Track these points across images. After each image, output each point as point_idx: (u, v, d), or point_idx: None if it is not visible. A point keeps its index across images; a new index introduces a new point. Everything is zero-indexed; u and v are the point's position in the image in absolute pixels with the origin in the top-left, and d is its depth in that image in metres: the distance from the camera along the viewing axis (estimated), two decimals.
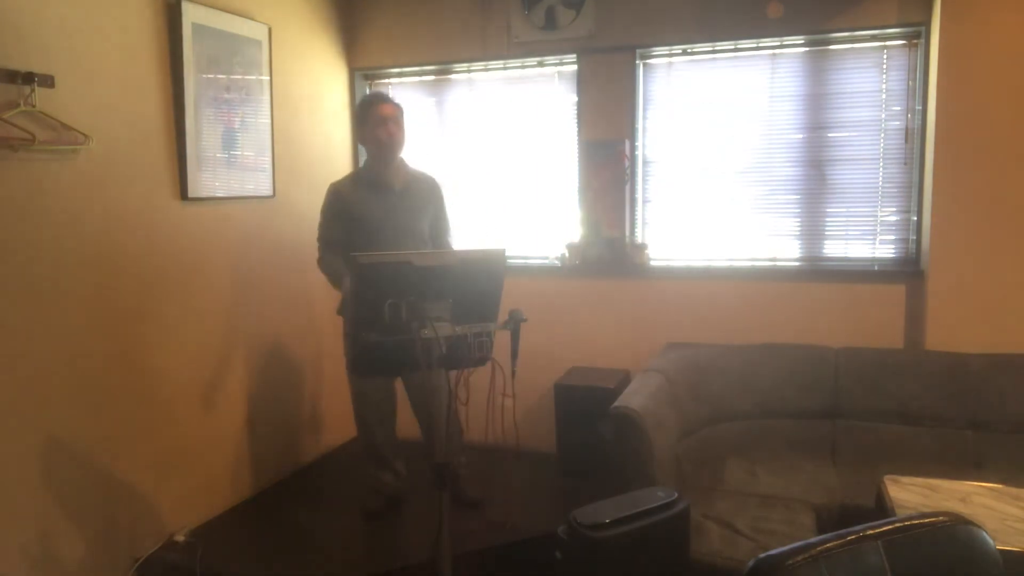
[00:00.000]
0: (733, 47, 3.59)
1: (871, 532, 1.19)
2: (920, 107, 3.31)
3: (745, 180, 3.65)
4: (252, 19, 3.38)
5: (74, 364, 2.62)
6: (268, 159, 3.52)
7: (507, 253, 2.29)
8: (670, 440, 2.87)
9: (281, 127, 3.60)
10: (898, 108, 3.39)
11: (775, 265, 3.63)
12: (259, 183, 3.48)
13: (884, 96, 3.41)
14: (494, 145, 4.07)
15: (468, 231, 4.09)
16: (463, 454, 3.33)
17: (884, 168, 3.43)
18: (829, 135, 3.49)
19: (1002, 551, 1.25)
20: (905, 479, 2.36)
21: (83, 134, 2.59)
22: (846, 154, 3.48)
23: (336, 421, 4.04)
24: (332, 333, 3.73)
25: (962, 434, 3.01)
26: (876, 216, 3.47)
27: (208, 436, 3.24)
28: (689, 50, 3.66)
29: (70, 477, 2.62)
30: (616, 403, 2.74)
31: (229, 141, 3.27)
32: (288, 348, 3.73)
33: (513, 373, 2.13)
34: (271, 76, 3.51)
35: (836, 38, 3.42)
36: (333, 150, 4.07)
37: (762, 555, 1.16)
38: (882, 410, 3.12)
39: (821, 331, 3.43)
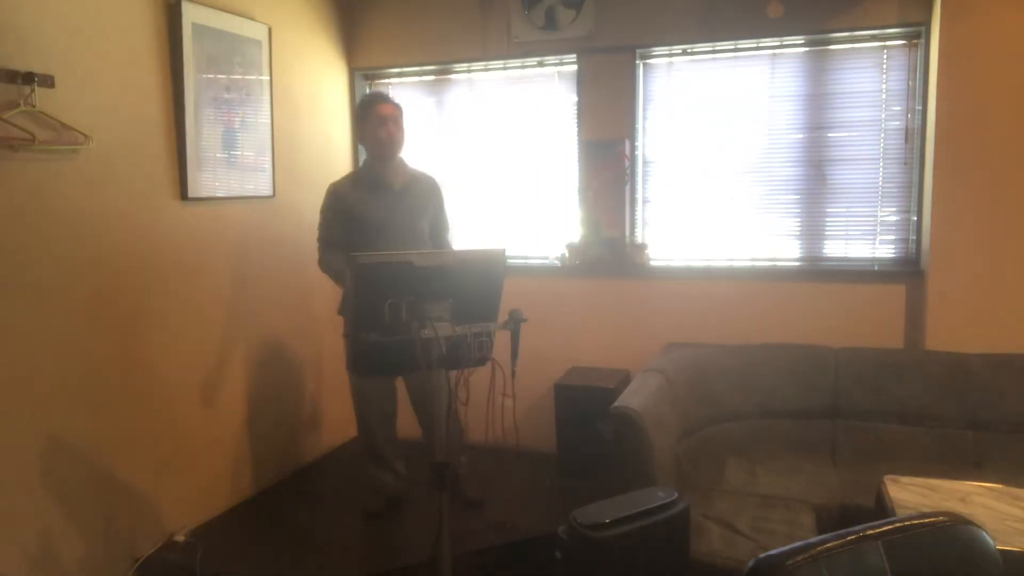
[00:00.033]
0: (733, 47, 3.59)
1: (871, 532, 1.19)
2: (920, 107, 3.31)
3: (745, 180, 3.65)
4: (252, 19, 3.38)
5: (74, 364, 2.62)
6: (268, 159, 3.52)
7: (507, 253, 2.29)
8: (670, 440, 2.87)
9: (281, 127, 3.60)
10: (898, 108, 3.39)
11: (775, 265, 3.63)
12: (259, 183, 3.48)
13: (884, 96, 3.41)
14: (494, 145, 4.07)
15: (468, 231, 4.09)
16: (464, 454, 3.34)
17: (884, 168, 3.43)
18: (829, 135, 3.49)
19: (1002, 551, 1.25)
20: (905, 479, 2.36)
21: (83, 134, 2.59)
22: (846, 154, 3.48)
23: (336, 421, 4.04)
24: (332, 333, 3.73)
25: (962, 434, 3.01)
26: (876, 216, 3.47)
27: (208, 436, 3.24)
28: (689, 50, 3.66)
29: (70, 477, 2.62)
30: (616, 403, 2.74)
31: (229, 141, 3.27)
32: (288, 348, 3.74)
33: (513, 373, 2.13)
34: (271, 76, 3.51)
35: (836, 38, 3.42)
36: (333, 150, 4.07)
37: (762, 555, 1.16)
38: (882, 410, 3.12)
39: (821, 331, 3.42)
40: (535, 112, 3.98)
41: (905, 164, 3.39)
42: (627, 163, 3.72)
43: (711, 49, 3.63)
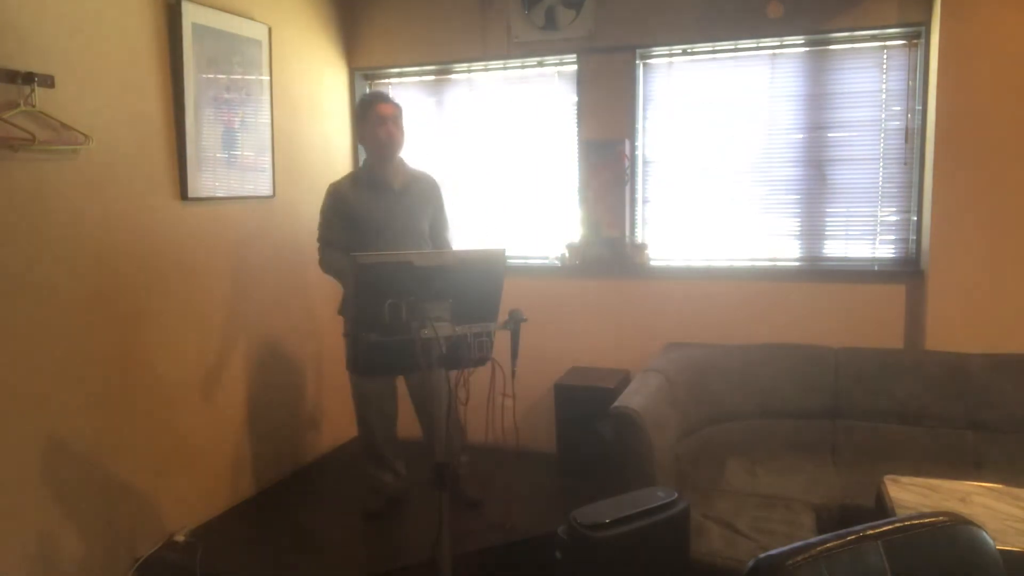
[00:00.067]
0: (733, 47, 3.59)
1: (871, 532, 1.19)
2: (920, 107, 3.31)
3: (745, 180, 3.65)
4: (252, 19, 3.38)
5: (74, 364, 2.62)
6: (268, 159, 3.52)
7: (507, 253, 2.29)
8: (670, 440, 2.87)
9: (281, 127, 3.60)
10: (898, 108, 3.39)
11: (775, 265, 3.63)
12: (259, 183, 3.48)
13: (884, 96, 3.41)
14: (494, 145, 4.06)
15: (468, 231, 4.09)
16: (465, 453, 3.34)
17: (884, 168, 3.43)
18: (829, 135, 3.49)
19: (1002, 551, 1.25)
20: (905, 479, 2.36)
21: (83, 134, 2.59)
22: (846, 154, 3.47)
23: (336, 421, 4.04)
24: (332, 333, 3.73)
25: (962, 434, 3.01)
26: (876, 216, 3.47)
27: (208, 436, 3.24)
28: (689, 50, 3.66)
29: (70, 477, 2.62)
30: (616, 403, 2.74)
31: (229, 141, 3.27)
32: (288, 348, 3.74)
33: (513, 373, 2.14)
34: (271, 76, 3.51)
35: (836, 38, 3.42)
36: (333, 150, 4.07)
37: (762, 555, 1.16)
38: (882, 410, 3.12)
39: (821, 331, 3.43)
40: (535, 112, 3.97)
41: (905, 164, 3.39)
42: (627, 163, 3.72)
43: (711, 49, 3.63)
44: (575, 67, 3.83)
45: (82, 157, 2.62)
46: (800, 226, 3.60)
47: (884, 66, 3.40)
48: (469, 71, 4.07)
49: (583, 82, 3.80)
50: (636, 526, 2.16)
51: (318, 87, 3.95)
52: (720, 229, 3.72)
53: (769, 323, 3.54)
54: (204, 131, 3.12)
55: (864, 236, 3.51)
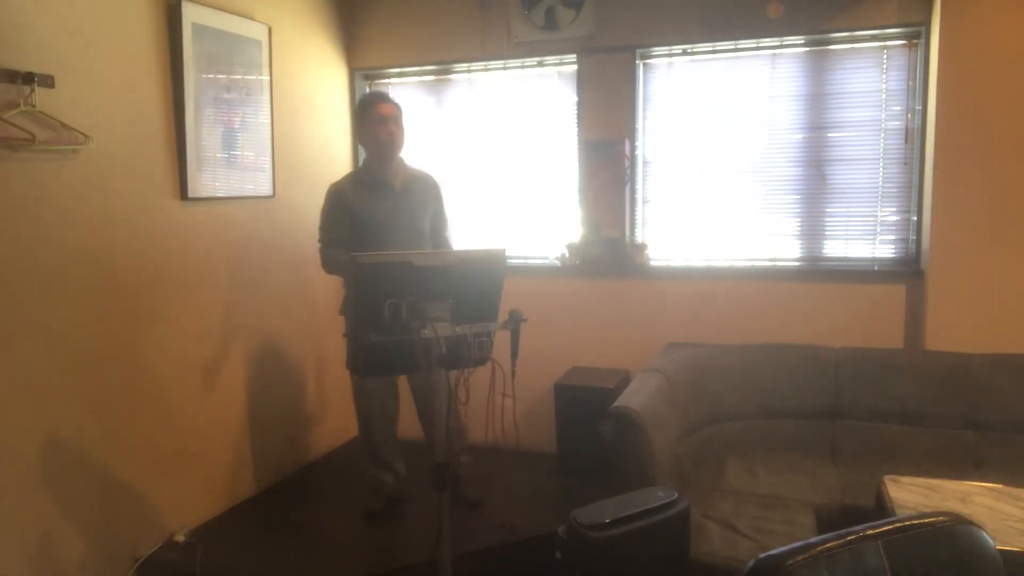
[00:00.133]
0: (733, 47, 3.59)
1: (871, 532, 1.19)
2: (920, 107, 3.31)
3: (745, 180, 3.65)
4: (252, 19, 3.38)
5: (74, 364, 2.62)
6: (268, 159, 3.52)
7: (507, 253, 2.29)
8: (670, 440, 2.87)
9: (281, 127, 3.60)
10: (898, 108, 3.39)
11: (775, 265, 3.63)
12: (259, 183, 3.48)
13: (884, 96, 3.41)
14: (494, 145, 4.06)
15: (468, 231, 4.09)
16: (466, 454, 3.34)
17: (884, 168, 3.43)
18: (829, 135, 3.49)
19: (1002, 551, 1.25)
20: (905, 479, 2.36)
21: (83, 134, 2.59)
22: (846, 154, 3.47)
23: (336, 421, 4.04)
24: (332, 333, 3.72)
25: (962, 434, 3.01)
26: (876, 216, 3.47)
27: (208, 436, 3.24)
28: (689, 50, 3.66)
29: (70, 477, 2.62)
30: (616, 403, 2.74)
31: (229, 141, 3.27)
32: (288, 348, 3.74)
33: (513, 373, 2.13)
34: (271, 76, 3.51)
35: (836, 38, 3.42)
36: (333, 150, 4.07)
37: (762, 555, 1.16)
38: (882, 410, 3.12)
39: (821, 331, 3.43)
40: (535, 112, 3.97)
41: (905, 164, 3.39)
42: (627, 163, 3.72)
43: (711, 49, 3.63)
44: (575, 67, 3.82)
45: (82, 157, 2.62)
46: (800, 226, 3.60)
47: (884, 66, 3.40)
48: (469, 71, 4.07)
49: (583, 82, 3.80)
50: (636, 526, 2.16)
51: (318, 87, 3.95)
52: (720, 229, 3.72)
53: (769, 323, 3.54)
54: (204, 131, 3.12)
55: (864, 236, 3.51)
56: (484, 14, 3.90)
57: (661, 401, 2.91)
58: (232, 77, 3.27)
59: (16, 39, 2.39)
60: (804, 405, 3.21)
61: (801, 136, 3.53)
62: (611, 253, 3.78)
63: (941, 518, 1.23)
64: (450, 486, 2.12)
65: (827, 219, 3.55)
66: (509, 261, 3.79)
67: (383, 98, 3.06)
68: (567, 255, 3.88)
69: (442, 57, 4.04)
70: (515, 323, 2.17)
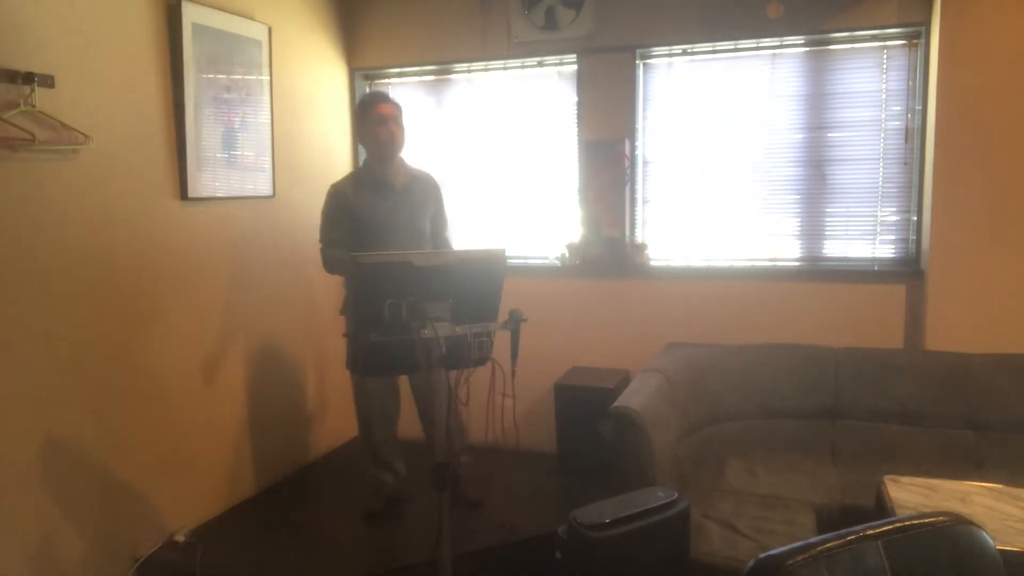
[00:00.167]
0: (733, 47, 3.59)
1: (871, 532, 1.19)
2: (920, 107, 3.31)
3: (745, 180, 3.65)
4: (252, 19, 3.38)
5: (74, 364, 2.62)
6: (268, 159, 3.52)
7: (507, 253, 2.29)
8: (670, 440, 2.87)
9: (281, 127, 3.60)
10: (898, 108, 3.39)
11: (775, 265, 3.63)
12: (259, 183, 3.48)
13: (884, 96, 3.41)
14: (494, 145, 4.06)
15: (468, 231, 4.09)
16: (466, 454, 3.34)
17: (884, 168, 3.43)
18: (829, 135, 3.49)
19: (1002, 551, 1.25)
20: (905, 479, 2.36)
21: (83, 134, 2.59)
22: (846, 154, 3.47)
23: (337, 421, 4.04)
24: (333, 332, 3.73)
25: (962, 434, 3.01)
26: (876, 216, 3.47)
27: (208, 436, 3.24)
28: (689, 50, 3.66)
29: (70, 477, 2.62)
30: (616, 403, 2.74)
31: (229, 141, 3.27)
32: (288, 348, 3.74)
33: (513, 373, 2.13)
34: (271, 76, 3.51)
35: (836, 38, 3.42)
36: (333, 150, 4.07)
37: (762, 555, 1.16)
38: (882, 410, 3.12)
39: (821, 331, 3.42)
40: (535, 112, 3.97)
41: (905, 164, 3.39)
42: (627, 163, 3.72)
43: (711, 49, 3.63)
44: (575, 67, 3.82)
45: (82, 157, 2.62)
46: (800, 226, 3.60)
47: (884, 66, 3.40)
48: (469, 71, 4.07)
49: (583, 82, 3.80)
50: (636, 526, 2.16)
51: (318, 87, 3.95)
52: (720, 229, 3.72)
53: (769, 323, 3.54)
54: (204, 131, 3.12)
55: (864, 236, 3.51)
56: (484, 14, 3.90)
57: (661, 401, 2.91)
58: (232, 77, 3.27)
59: (16, 39, 2.39)
60: (804, 405, 3.21)
61: (801, 136, 3.53)
62: (611, 253, 3.78)
63: (941, 518, 1.23)
64: (450, 486, 2.12)
65: (827, 219, 3.55)
66: (509, 261, 3.79)
67: (383, 98, 3.06)
68: (567, 255, 3.88)
69: (442, 57, 4.04)
70: (515, 323, 2.17)
